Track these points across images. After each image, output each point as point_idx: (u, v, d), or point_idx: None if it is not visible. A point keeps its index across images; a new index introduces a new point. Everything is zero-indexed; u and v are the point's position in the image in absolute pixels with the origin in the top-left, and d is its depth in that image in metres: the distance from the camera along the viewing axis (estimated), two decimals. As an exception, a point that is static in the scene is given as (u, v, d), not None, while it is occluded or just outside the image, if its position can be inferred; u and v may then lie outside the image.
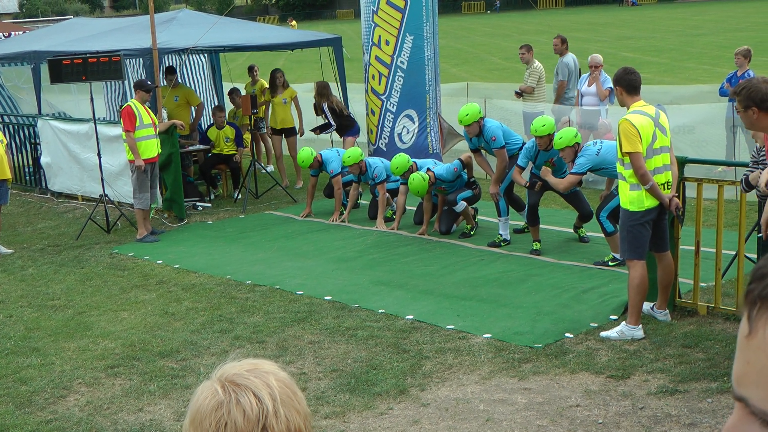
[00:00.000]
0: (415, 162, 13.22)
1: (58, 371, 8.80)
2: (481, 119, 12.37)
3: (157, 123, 13.79)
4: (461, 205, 12.80)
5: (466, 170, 12.99)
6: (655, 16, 73.98)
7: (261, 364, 2.07)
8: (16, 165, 16.96)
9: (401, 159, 13.08)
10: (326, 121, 16.26)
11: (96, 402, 8.04)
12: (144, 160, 13.38)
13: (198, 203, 15.77)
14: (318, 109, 16.43)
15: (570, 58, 16.91)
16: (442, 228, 13.02)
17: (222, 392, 1.98)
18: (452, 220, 13.16)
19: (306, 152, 14.34)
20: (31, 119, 17.74)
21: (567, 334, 8.74)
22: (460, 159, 13.04)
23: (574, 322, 9.08)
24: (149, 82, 14.18)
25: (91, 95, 14.63)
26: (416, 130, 15.75)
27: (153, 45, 14.83)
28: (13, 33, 23.87)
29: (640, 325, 8.59)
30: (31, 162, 17.92)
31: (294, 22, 73.18)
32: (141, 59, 16.15)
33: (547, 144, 11.51)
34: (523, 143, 12.44)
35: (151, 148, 13.58)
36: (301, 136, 17.43)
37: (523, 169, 11.88)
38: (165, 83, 16.41)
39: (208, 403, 1.98)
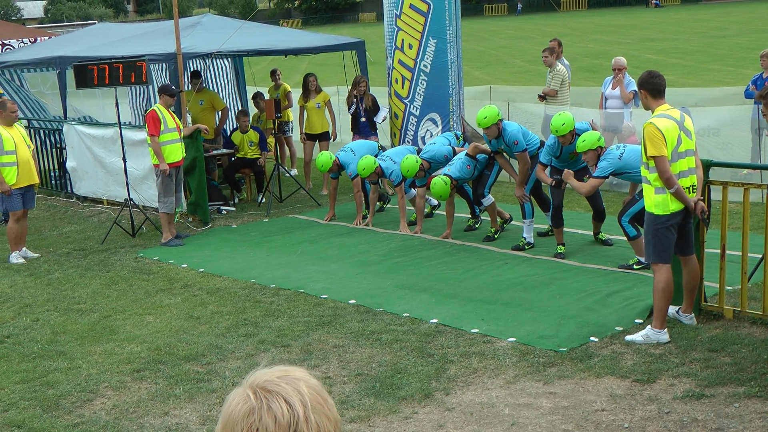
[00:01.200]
0: (425, 159, 13.37)
1: (85, 375, 8.86)
2: (499, 121, 12.27)
3: (181, 127, 13.86)
4: (488, 200, 12.86)
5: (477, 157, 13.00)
6: (678, 17, 73.70)
7: (292, 371, 2.10)
8: (43, 169, 17.04)
9: (410, 161, 13.13)
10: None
11: (122, 406, 8.08)
12: (168, 164, 13.45)
13: (222, 207, 15.83)
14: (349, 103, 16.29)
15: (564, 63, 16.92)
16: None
17: (254, 398, 2.01)
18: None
19: (324, 156, 14.34)
20: (57, 124, 17.85)
21: (592, 338, 8.72)
22: (467, 154, 12.99)
23: (599, 326, 9.05)
24: (173, 87, 14.25)
25: (116, 100, 14.73)
26: (439, 133, 15.70)
27: (177, 50, 14.89)
28: (38, 38, 23.96)
29: (666, 329, 8.58)
30: (56, 166, 18.03)
31: (286, 24, 73.15)
32: (165, 64, 16.23)
33: (570, 139, 11.53)
34: (542, 142, 12.48)
35: (176, 152, 13.65)
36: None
37: (545, 166, 11.87)
38: (190, 87, 16.47)
39: (240, 409, 2.01)
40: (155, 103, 15.25)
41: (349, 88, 16.60)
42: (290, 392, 2.02)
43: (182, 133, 13.83)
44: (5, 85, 19.90)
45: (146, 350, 9.35)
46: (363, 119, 15.87)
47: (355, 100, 16.00)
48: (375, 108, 15.89)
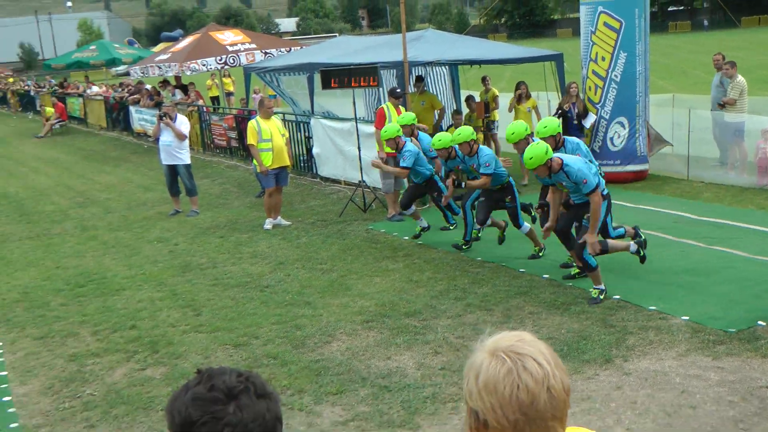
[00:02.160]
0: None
1: (325, 322, 9.25)
2: (529, 136, 10.00)
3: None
4: (525, 228, 11.42)
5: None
6: None
7: (523, 336, 2.08)
8: (294, 154, 17.60)
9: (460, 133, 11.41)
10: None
11: (354, 349, 8.40)
12: (387, 153, 13.77)
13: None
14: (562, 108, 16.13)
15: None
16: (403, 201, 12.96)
17: (509, 361, 1.98)
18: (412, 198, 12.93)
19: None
20: (305, 117, 18.47)
21: (759, 322, 8.35)
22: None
23: (767, 311, 8.71)
24: (399, 90, 14.55)
25: (353, 99, 15.14)
26: (626, 136, 15.48)
27: (404, 58, 15.16)
28: (292, 48, 24.78)
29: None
30: (305, 152, 18.64)
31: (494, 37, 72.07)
32: (394, 70, 16.53)
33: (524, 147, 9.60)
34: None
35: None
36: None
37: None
38: (414, 90, 16.74)
39: (499, 371, 1.97)
40: (384, 102, 15.63)
41: (560, 94, 16.49)
42: (535, 353, 2.01)
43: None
44: (269, 86, 20.80)
45: (374, 305, 9.67)
46: (574, 122, 15.74)
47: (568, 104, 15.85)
48: (584, 113, 15.70)
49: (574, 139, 10.30)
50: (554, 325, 8.62)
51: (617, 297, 9.33)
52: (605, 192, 9.45)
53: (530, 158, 8.99)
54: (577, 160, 9.23)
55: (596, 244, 9.18)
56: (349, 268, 11.35)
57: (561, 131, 10.05)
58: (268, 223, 14.01)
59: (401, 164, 12.75)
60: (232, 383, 1.81)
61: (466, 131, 11.30)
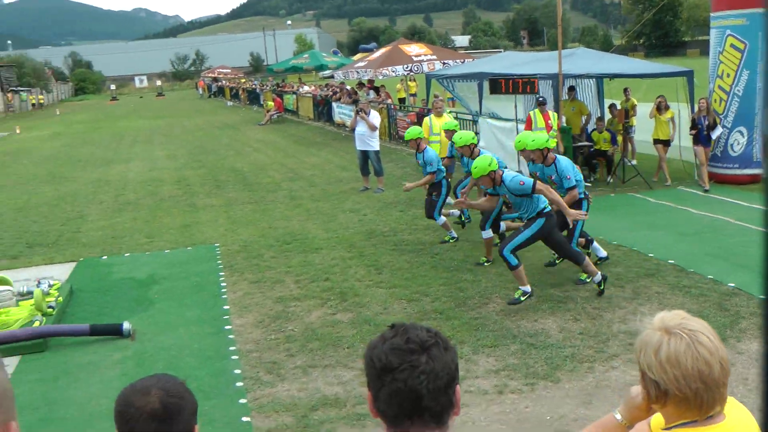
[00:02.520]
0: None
1: (483, 286, 9.11)
2: (547, 150, 9.24)
3: (553, 126, 13.62)
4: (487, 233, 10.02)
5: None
6: None
7: (684, 314, 1.99)
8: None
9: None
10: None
11: (506, 311, 8.23)
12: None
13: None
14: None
15: None
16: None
17: (686, 337, 1.91)
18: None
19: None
20: (474, 116, 18.27)
21: None
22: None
23: None
24: (541, 98, 14.06)
25: (515, 103, 14.85)
26: (745, 143, 14.63)
27: (559, 71, 14.73)
28: (465, 60, 24.57)
29: None
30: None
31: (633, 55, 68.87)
32: (550, 81, 16.10)
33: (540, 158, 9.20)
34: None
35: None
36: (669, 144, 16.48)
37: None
38: (566, 98, 16.24)
39: (679, 346, 1.91)
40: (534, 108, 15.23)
41: (689, 105, 15.64)
42: (702, 329, 1.93)
43: (551, 130, 13.62)
44: (447, 90, 20.72)
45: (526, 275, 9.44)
46: (704, 132, 14.89)
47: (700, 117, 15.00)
48: (713, 125, 14.80)
49: (566, 159, 9.41)
50: (676, 305, 8.13)
51: (732, 285, 8.72)
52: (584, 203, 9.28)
53: (474, 168, 8.43)
54: (568, 161, 9.19)
55: (579, 214, 8.67)
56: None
57: (550, 147, 9.20)
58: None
59: (429, 170, 11.24)
60: (424, 337, 1.77)
61: (466, 136, 10.43)
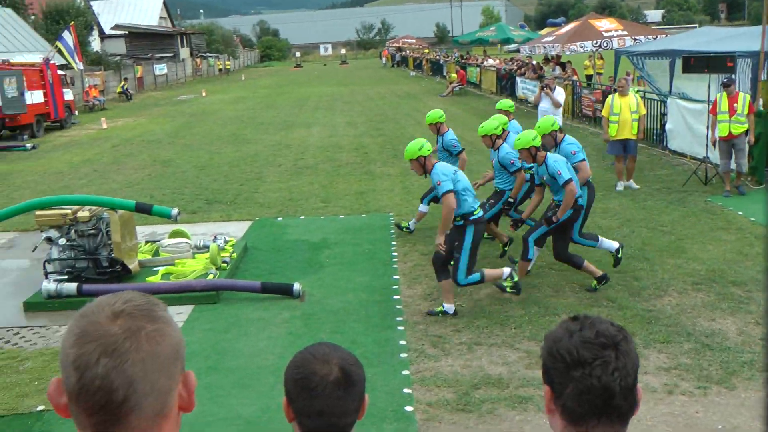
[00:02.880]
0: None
1: (660, 277, 8.68)
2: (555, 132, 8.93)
3: (737, 111, 12.64)
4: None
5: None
6: None
7: None
8: (649, 128, 16.62)
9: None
10: None
11: (682, 306, 7.81)
12: (720, 137, 12.63)
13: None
14: None
15: None
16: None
17: None
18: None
19: None
20: (663, 97, 17.34)
21: None
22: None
23: None
24: (726, 79, 12.96)
25: (709, 84, 13.94)
26: None
27: (761, 48, 13.66)
28: (657, 36, 23.34)
29: None
30: (659, 126, 17.44)
31: None
32: (749, 59, 14.96)
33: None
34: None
35: (724, 129, 12.63)
36: None
37: None
38: (766, 78, 15.01)
39: None
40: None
41: None
42: None
43: (735, 115, 12.63)
44: (635, 67, 19.82)
45: (704, 270, 8.90)
46: None
47: None
48: None
49: (554, 155, 8.47)
50: None
51: None
52: (580, 201, 8.39)
53: (406, 151, 8.05)
54: (559, 159, 8.29)
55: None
56: (686, 233, 10.52)
57: (536, 145, 8.33)
58: (620, 185, 13.38)
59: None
60: (612, 332, 1.69)
61: (488, 125, 9.73)
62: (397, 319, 7.77)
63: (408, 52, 67.69)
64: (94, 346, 1.24)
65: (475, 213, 7.67)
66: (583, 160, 8.78)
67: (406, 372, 6.47)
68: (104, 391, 1.22)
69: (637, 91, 16.15)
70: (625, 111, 13.24)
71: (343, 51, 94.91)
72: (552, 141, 9.01)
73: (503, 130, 9.88)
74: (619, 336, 1.68)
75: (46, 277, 8.99)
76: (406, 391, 6.13)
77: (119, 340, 1.25)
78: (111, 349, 1.24)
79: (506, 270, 8.10)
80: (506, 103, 11.41)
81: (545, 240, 8.75)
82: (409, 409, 5.82)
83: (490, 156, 10.08)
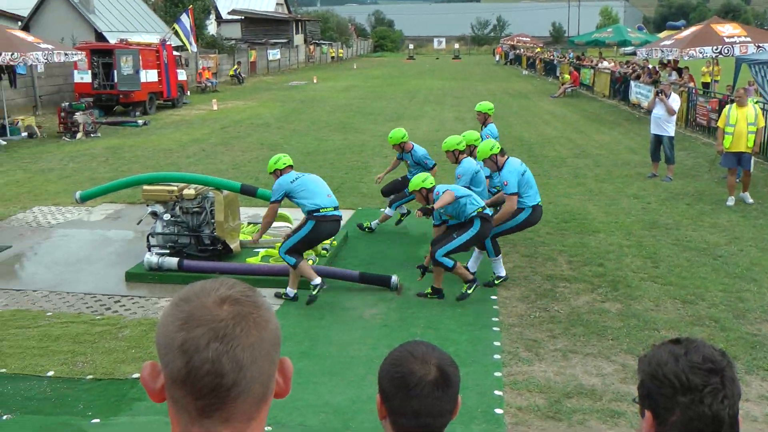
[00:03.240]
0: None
1: (767, 300, 8.32)
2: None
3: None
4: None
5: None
6: None
7: None
8: (763, 141, 15.92)
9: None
10: None
11: (792, 331, 7.44)
12: None
13: None
14: None
15: None
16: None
17: None
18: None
19: None
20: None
21: None
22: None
23: None
24: None
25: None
26: None
27: None
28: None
29: None
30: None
31: None
32: None
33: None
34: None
35: None
36: None
37: None
38: None
39: None
40: None
41: None
42: None
43: None
44: (754, 77, 18.83)
45: (819, 295, 8.44)
46: None
47: None
48: None
49: (510, 165, 8.60)
50: None
51: None
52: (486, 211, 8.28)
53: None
54: (510, 168, 8.55)
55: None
56: (795, 256, 9.99)
57: (461, 149, 9.37)
58: (731, 200, 12.84)
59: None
60: (717, 357, 1.66)
61: (450, 141, 9.69)
62: (493, 319, 7.72)
63: (522, 50, 66.84)
64: (203, 330, 1.24)
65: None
66: (515, 194, 8.53)
67: (498, 374, 6.43)
68: (213, 375, 1.23)
69: (756, 102, 15.43)
70: (741, 122, 12.72)
71: (456, 45, 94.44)
72: (494, 165, 8.76)
73: (467, 145, 9.84)
74: (723, 362, 1.64)
75: (149, 250, 9.36)
76: (497, 393, 6.09)
77: (229, 325, 1.25)
78: (222, 334, 1.24)
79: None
80: (486, 105, 11.70)
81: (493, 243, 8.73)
82: (498, 411, 5.79)
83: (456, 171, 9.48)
